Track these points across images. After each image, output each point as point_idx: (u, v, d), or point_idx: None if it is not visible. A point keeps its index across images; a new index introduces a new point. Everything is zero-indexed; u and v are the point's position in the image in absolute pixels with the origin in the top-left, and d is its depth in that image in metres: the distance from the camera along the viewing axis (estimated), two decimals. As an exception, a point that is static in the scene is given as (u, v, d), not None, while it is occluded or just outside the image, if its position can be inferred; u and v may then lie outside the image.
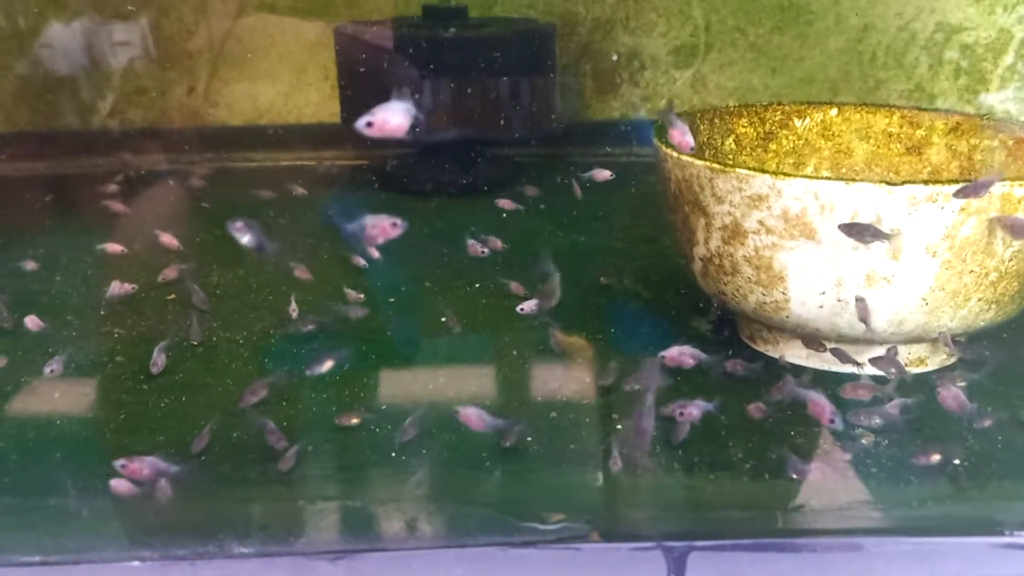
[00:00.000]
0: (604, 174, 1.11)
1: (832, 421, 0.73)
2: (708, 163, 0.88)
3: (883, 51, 1.82)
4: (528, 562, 0.58)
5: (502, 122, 1.61)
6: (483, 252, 1.11)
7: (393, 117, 0.63)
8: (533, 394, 0.89)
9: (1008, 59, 1.80)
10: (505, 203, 1.42)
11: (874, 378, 0.89)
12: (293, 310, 1.05)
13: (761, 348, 0.99)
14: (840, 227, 0.81)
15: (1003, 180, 0.80)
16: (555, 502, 0.66)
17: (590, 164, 1.81)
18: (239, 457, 0.77)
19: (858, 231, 0.81)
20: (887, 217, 0.81)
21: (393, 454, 0.78)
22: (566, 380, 0.91)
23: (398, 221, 0.66)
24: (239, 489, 0.73)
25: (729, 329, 1.03)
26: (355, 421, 0.83)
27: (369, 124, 0.63)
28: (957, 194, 0.79)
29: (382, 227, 0.67)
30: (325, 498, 0.71)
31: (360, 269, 1.20)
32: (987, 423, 0.79)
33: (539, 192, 1.55)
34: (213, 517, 0.69)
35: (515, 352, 0.98)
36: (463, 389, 0.90)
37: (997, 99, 1.83)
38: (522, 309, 0.97)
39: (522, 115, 1.62)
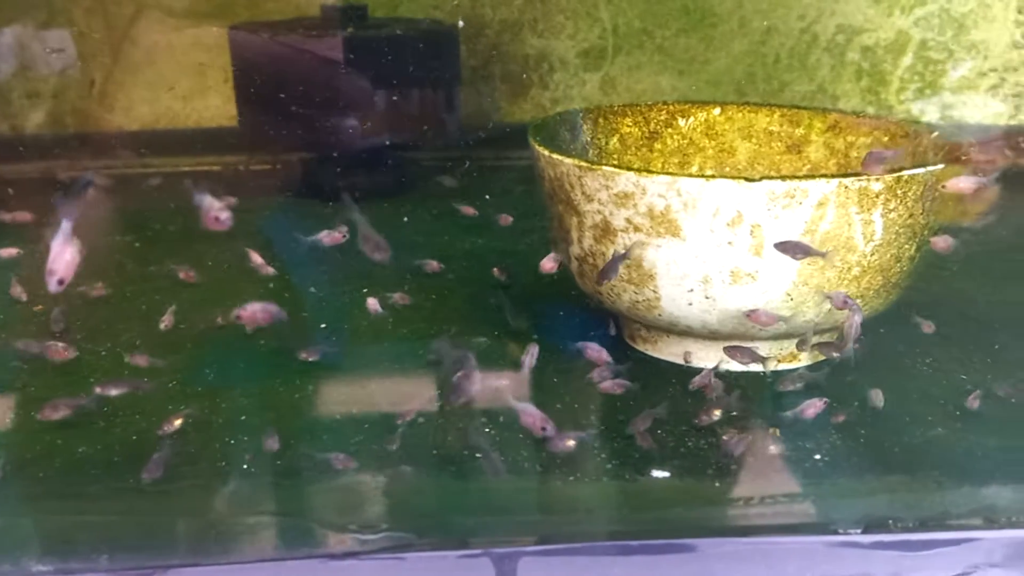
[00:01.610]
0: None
1: (544, 429, 0.72)
2: (576, 161, 0.88)
3: (786, 53, 1.85)
4: (351, 573, 0.56)
5: (405, 125, 1.58)
6: (342, 237, 1.05)
7: (59, 260, 0.65)
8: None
9: (907, 60, 1.84)
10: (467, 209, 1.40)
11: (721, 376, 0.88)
12: (165, 319, 1.02)
13: (641, 348, 0.98)
14: (775, 245, 0.80)
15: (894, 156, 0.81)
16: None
17: (501, 167, 1.82)
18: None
19: (791, 248, 0.80)
20: (748, 213, 0.81)
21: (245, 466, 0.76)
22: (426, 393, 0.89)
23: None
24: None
25: (617, 329, 1.02)
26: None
27: (51, 272, 0.65)
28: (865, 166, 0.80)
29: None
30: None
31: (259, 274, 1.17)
32: (840, 419, 0.80)
33: (456, 184, 1.55)
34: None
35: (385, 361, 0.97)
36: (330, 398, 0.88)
37: (897, 99, 1.86)
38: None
39: (425, 117, 1.60)
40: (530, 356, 0.85)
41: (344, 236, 1.03)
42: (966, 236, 1.37)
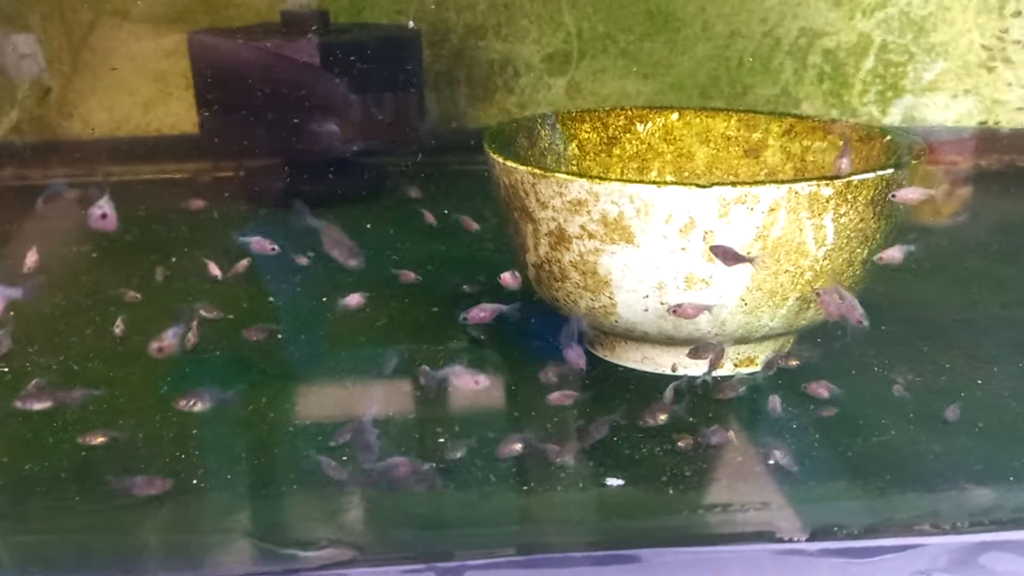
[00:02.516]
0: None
1: (477, 382, 0.74)
2: (529, 169, 0.87)
3: (750, 56, 1.85)
4: (293, 590, 0.55)
5: (368, 131, 1.58)
6: (272, 249, 1.04)
7: None
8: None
9: (868, 63, 1.85)
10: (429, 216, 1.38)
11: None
12: (119, 327, 1.01)
13: (600, 353, 0.98)
14: (711, 248, 0.80)
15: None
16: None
17: (466, 172, 1.81)
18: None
19: (722, 254, 0.80)
20: (700, 219, 0.81)
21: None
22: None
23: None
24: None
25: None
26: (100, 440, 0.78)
27: None
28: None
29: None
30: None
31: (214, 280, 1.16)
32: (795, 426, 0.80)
33: (421, 191, 1.54)
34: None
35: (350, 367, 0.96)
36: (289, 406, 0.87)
37: (860, 102, 1.87)
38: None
39: (387, 123, 1.59)
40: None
41: (275, 249, 1.02)
42: (934, 238, 1.38)
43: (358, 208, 1.58)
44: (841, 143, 1.05)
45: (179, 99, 1.75)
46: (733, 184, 0.80)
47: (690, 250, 0.82)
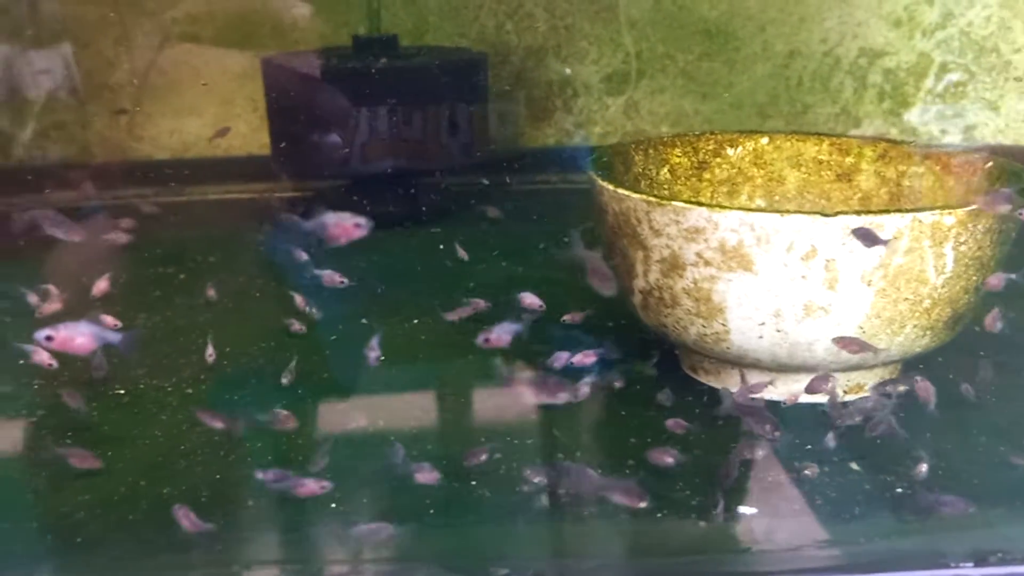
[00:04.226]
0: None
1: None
2: (644, 196, 0.88)
3: (809, 76, 1.86)
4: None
5: (436, 152, 1.59)
6: (341, 282, 1.06)
7: (78, 337, 0.68)
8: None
9: (929, 82, 1.85)
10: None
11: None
12: (210, 355, 1.02)
13: (703, 379, 0.99)
14: (853, 231, 0.80)
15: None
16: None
17: (527, 192, 1.82)
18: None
19: (863, 235, 0.80)
20: (822, 248, 0.81)
21: (333, 505, 0.76)
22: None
23: (362, 221, 0.64)
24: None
25: (670, 360, 1.02)
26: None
27: (49, 338, 0.67)
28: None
29: (345, 227, 0.65)
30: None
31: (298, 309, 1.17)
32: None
33: (499, 214, 1.54)
34: None
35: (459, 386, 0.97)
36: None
37: (920, 121, 1.88)
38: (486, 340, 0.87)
39: (456, 144, 1.60)
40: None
41: (344, 282, 1.04)
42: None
43: (425, 229, 1.58)
44: (937, 168, 1.05)
45: (246, 121, 1.77)
46: (858, 213, 0.81)
47: (810, 278, 0.83)
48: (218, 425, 0.84)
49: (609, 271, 0.81)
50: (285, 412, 0.86)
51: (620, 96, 1.90)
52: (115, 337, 0.74)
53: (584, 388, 0.85)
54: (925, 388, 0.86)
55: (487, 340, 0.83)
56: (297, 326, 1.10)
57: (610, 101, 1.91)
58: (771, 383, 0.91)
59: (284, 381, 0.97)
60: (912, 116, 1.88)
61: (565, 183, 1.83)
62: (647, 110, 1.91)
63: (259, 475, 0.76)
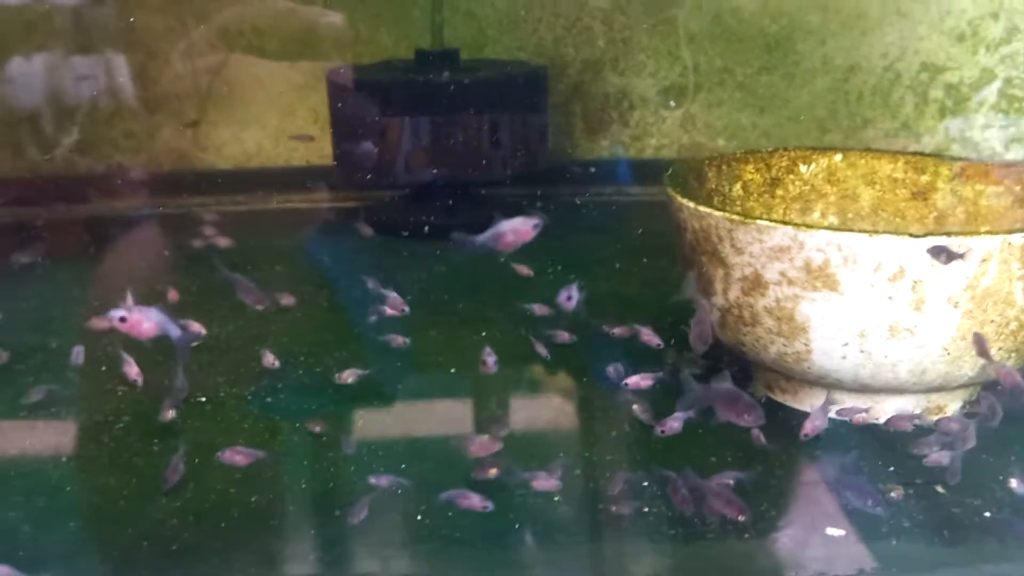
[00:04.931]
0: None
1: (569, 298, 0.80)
2: (727, 215, 0.88)
3: (869, 91, 1.85)
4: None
5: (496, 164, 1.60)
6: (403, 311, 1.08)
7: (146, 322, 0.71)
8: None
9: (992, 98, 1.83)
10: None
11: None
12: (272, 363, 1.03)
13: (779, 398, 0.98)
14: (928, 250, 0.80)
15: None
16: None
17: (584, 203, 1.83)
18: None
19: (936, 252, 0.79)
20: (910, 269, 0.81)
21: (419, 517, 0.77)
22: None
23: (536, 220, 0.65)
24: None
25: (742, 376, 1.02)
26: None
27: (123, 319, 0.71)
28: None
29: (521, 232, 0.66)
30: None
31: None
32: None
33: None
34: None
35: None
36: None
37: (982, 137, 1.86)
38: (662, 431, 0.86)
39: (517, 156, 1.61)
40: None
41: (405, 311, 1.07)
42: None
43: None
44: (1017, 187, 1.04)
45: (308, 131, 1.79)
46: (948, 234, 0.80)
47: (896, 299, 0.83)
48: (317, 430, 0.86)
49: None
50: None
51: (678, 109, 1.90)
52: (176, 332, 0.76)
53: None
54: (992, 407, 0.86)
55: (662, 431, 0.85)
56: (400, 340, 1.10)
57: (667, 114, 1.91)
58: (867, 410, 0.90)
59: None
60: (974, 132, 1.86)
61: (620, 195, 1.84)
62: (704, 123, 1.91)
63: (371, 480, 0.79)
